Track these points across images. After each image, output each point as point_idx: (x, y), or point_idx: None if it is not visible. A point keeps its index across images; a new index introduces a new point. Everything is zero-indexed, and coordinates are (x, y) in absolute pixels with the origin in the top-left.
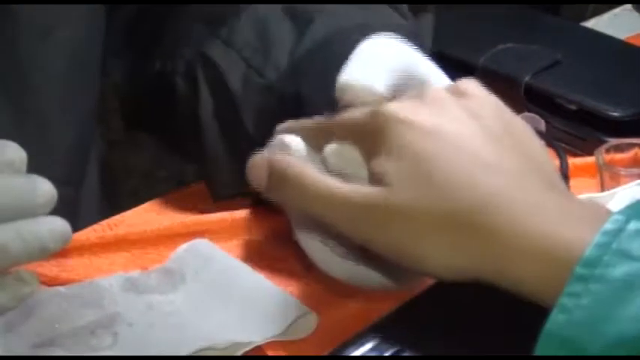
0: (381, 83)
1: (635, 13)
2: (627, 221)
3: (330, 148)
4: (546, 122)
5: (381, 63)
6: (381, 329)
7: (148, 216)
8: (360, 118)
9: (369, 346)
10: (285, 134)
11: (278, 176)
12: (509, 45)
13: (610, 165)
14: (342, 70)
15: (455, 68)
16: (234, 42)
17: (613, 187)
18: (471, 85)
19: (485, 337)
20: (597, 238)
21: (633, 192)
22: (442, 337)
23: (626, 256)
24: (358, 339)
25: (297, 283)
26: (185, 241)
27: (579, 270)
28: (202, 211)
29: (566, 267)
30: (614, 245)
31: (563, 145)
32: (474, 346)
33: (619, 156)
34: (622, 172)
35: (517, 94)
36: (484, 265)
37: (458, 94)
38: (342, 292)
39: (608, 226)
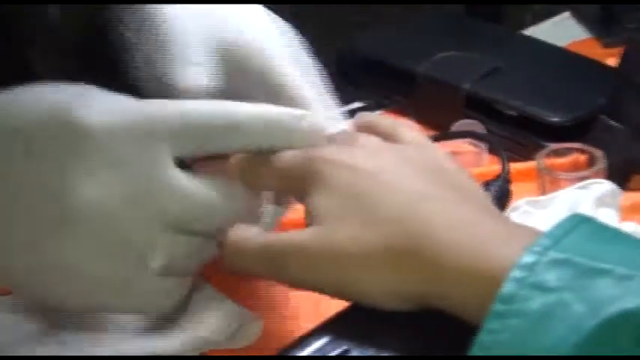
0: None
1: (574, 21)
2: (544, 252)
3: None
4: (487, 129)
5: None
6: (330, 329)
7: None
8: (291, 164)
9: (316, 346)
10: None
11: (226, 248)
12: (450, 53)
13: (550, 169)
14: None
15: (396, 77)
16: None
17: (553, 191)
18: (402, 129)
19: (433, 336)
20: (514, 272)
21: (572, 196)
22: (391, 335)
23: (542, 288)
24: (305, 339)
25: (244, 289)
26: None
27: (497, 306)
28: None
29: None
30: (530, 279)
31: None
32: (423, 344)
33: (559, 161)
34: (562, 177)
35: (457, 102)
36: (426, 290)
37: (389, 138)
38: (284, 294)
39: (526, 259)
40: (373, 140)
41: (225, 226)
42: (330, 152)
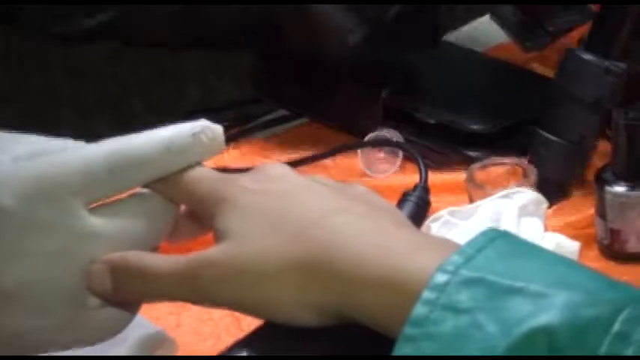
0: None
1: (494, 25)
2: (456, 271)
3: None
4: (406, 138)
5: None
6: (248, 345)
7: None
8: (199, 190)
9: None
10: None
11: (121, 272)
12: (369, 58)
13: (481, 184)
14: None
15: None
16: None
17: None
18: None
19: (351, 350)
20: (425, 293)
21: (495, 205)
22: (311, 350)
23: (454, 309)
24: (225, 356)
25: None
26: None
27: (408, 330)
28: None
29: (411, 300)
30: (442, 300)
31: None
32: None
33: (487, 175)
34: (492, 192)
35: (375, 110)
36: (337, 303)
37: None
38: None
39: (437, 278)
40: (281, 166)
41: (150, 246)
42: (238, 178)
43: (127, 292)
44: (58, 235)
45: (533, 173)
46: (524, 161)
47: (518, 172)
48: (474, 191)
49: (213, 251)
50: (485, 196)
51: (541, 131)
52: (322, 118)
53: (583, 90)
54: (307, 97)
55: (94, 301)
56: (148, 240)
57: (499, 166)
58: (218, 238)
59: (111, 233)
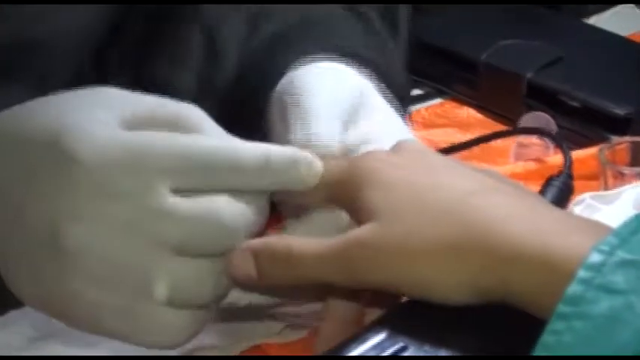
0: (333, 138)
1: (637, 11)
2: (612, 252)
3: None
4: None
5: (328, 112)
6: (386, 324)
7: None
8: (336, 170)
9: (371, 343)
10: None
11: (266, 257)
12: (511, 41)
13: (613, 163)
14: (291, 130)
15: (456, 64)
16: (184, 62)
17: (616, 186)
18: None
19: (493, 334)
20: (581, 273)
21: (638, 192)
22: (451, 333)
23: (609, 290)
24: (360, 336)
25: None
26: None
27: (562, 308)
28: None
29: (565, 279)
30: (597, 280)
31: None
32: (482, 343)
33: (621, 154)
34: (625, 171)
35: (519, 91)
36: (487, 282)
37: None
38: None
39: (593, 258)
40: (419, 143)
41: (234, 245)
42: (381, 153)
43: (272, 276)
44: (130, 205)
45: None
46: None
47: None
48: (606, 170)
49: (363, 232)
50: (616, 174)
51: None
52: (464, 96)
53: None
54: (450, 74)
55: (161, 294)
56: (232, 229)
57: (631, 146)
58: (365, 217)
59: (186, 214)
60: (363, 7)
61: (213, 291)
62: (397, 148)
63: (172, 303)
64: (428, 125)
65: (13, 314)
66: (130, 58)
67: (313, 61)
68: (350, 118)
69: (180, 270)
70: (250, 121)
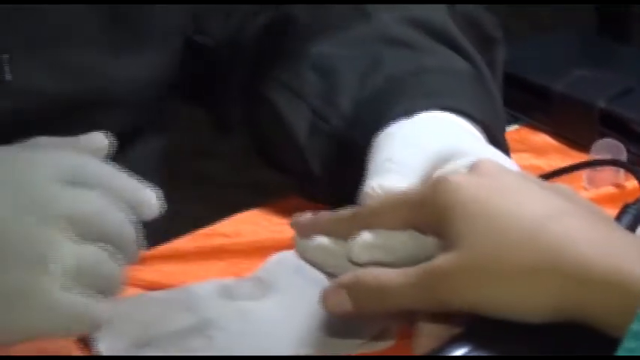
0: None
1: None
2: None
3: (368, 238)
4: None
5: (415, 166)
6: (474, 336)
7: (241, 227)
8: (416, 194)
9: (458, 353)
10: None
11: (358, 292)
12: (583, 71)
13: None
14: (373, 175)
15: (531, 93)
16: (300, 91)
17: None
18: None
19: (568, 350)
20: None
21: None
22: (531, 347)
23: None
24: (446, 346)
25: None
26: (275, 253)
27: (636, 326)
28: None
29: (637, 301)
30: None
31: None
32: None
33: None
34: None
35: (592, 119)
36: (566, 302)
37: None
38: None
39: None
40: (494, 162)
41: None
42: (460, 176)
43: (366, 307)
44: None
45: None
46: None
47: None
48: None
49: (446, 261)
50: None
51: None
52: (539, 122)
53: None
54: (525, 102)
55: (59, 270)
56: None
57: None
58: (446, 242)
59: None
60: (469, 48)
61: (111, 284)
62: (475, 167)
63: (69, 285)
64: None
65: (115, 321)
66: (243, 92)
67: (419, 109)
68: (436, 165)
69: (78, 254)
70: (360, 164)
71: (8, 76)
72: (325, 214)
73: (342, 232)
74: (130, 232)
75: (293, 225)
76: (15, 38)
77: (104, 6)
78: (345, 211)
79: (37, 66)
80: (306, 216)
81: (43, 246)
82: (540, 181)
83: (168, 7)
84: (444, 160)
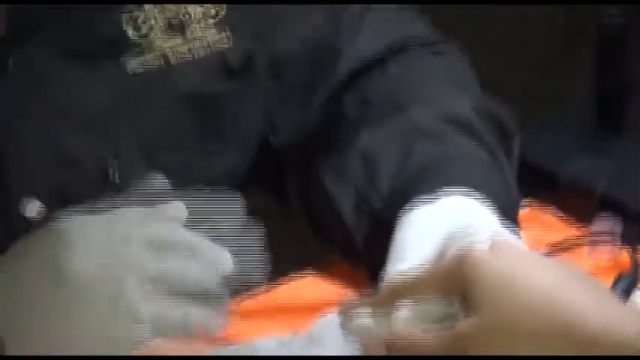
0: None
1: None
2: None
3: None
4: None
5: (425, 250)
6: None
7: (301, 291)
8: (444, 268)
9: None
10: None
11: (396, 349)
12: (585, 158)
13: None
14: (391, 262)
15: (538, 176)
16: (347, 176)
17: None
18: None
19: None
20: None
21: None
22: None
23: None
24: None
25: None
26: (325, 312)
27: None
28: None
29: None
30: None
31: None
32: None
33: None
34: None
35: (593, 202)
36: None
37: None
38: None
39: None
40: (512, 243)
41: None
42: (481, 252)
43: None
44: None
45: None
46: None
47: None
48: None
49: (472, 326)
50: None
51: None
52: (546, 202)
53: None
54: (533, 185)
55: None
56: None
57: None
58: (470, 310)
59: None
60: (490, 140)
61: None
62: (495, 246)
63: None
64: None
65: None
66: (300, 175)
67: (440, 196)
68: (449, 243)
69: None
70: None
71: (117, 180)
72: (366, 299)
73: (382, 308)
74: (211, 285)
75: (340, 309)
76: (124, 144)
77: (197, 114)
78: (382, 291)
79: (138, 168)
80: (351, 299)
81: (132, 297)
82: (546, 257)
83: (250, 112)
84: (459, 237)
